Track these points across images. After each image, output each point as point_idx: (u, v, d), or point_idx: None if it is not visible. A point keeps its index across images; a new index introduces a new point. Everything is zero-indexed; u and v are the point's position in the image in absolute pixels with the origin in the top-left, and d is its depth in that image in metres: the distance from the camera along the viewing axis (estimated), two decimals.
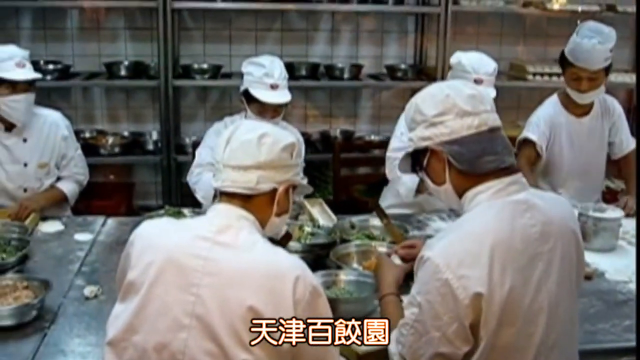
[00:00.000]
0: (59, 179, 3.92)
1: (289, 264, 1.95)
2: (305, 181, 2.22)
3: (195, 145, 5.05)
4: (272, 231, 2.18)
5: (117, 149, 5.39)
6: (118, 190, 5.56)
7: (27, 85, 3.59)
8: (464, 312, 1.90)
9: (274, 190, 2.07)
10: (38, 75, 3.68)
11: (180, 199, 5.24)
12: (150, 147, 5.56)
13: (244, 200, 2.04)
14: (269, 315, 1.84)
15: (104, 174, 5.60)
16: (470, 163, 2.07)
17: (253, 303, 1.84)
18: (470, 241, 1.96)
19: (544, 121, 3.99)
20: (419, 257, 2.04)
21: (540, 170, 4.11)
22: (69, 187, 3.91)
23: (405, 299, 2.17)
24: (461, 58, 3.80)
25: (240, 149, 2.05)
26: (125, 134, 5.73)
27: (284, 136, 2.10)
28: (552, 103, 4.08)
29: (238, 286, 1.87)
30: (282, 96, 3.73)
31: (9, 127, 3.70)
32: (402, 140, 3.89)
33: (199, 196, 3.85)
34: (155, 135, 5.67)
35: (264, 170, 2.03)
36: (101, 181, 5.43)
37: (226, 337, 1.84)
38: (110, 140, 5.50)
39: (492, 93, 3.58)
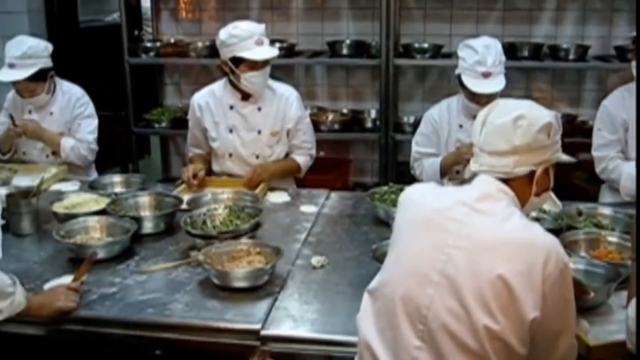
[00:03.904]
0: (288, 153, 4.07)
1: (544, 239, 1.95)
2: (565, 156, 2.17)
3: (414, 124, 5.10)
4: (532, 210, 2.22)
5: (336, 126, 5.53)
6: (335, 165, 5.70)
7: (265, 61, 3.76)
8: None
9: (532, 172, 2.06)
10: (276, 53, 3.84)
11: (396, 177, 5.29)
12: (369, 124, 5.62)
13: (503, 181, 2.07)
14: (517, 285, 1.85)
15: (324, 150, 5.75)
16: None
17: (503, 272, 1.86)
18: None
19: None
20: None
21: None
22: (302, 159, 4.06)
23: None
24: None
25: (495, 133, 2.06)
26: (345, 111, 5.86)
27: (540, 116, 2.06)
28: None
29: (490, 253, 1.90)
30: (493, 85, 3.64)
31: (246, 96, 3.90)
32: (602, 136, 3.79)
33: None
34: (373, 113, 5.75)
35: (520, 154, 2.04)
36: (320, 156, 5.59)
37: (472, 299, 1.87)
38: (330, 117, 5.64)
39: None
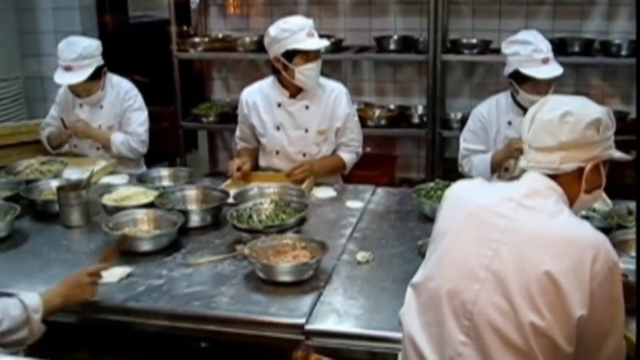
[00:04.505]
0: (335, 150, 4.06)
1: (593, 236, 1.92)
2: (618, 153, 2.13)
3: (462, 121, 5.06)
4: (583, 207, 2.17)
5: (383, 122, 5.51)
6: (382, 161, 5.68)
7: (316, 53, 3.76)
8: None
9: (581, 169, 2.03)
10: (327, 43, 3.84)
11: (443, 173, 5.25)
12: (416, 120, 5.61)
13: (550, 177, 2.05)
14: (565, 282, 1.83)
15: (370, 146, 5.73)
16: None
17: (550, 268, 1.84)
18: None
19: None
20: None
21: None
22: (348, 157, 4.05)
23: None
24: None
25: (542, 129, 2.04)
26: (392, 107, 5.82)
27: (588, 112, 2.03)
28: None
29: (537, 249, 1.88)
30: (553, 70, 3.70)
31: (294, 93, 3.91)
32: None
33: None
34: (420, 109, 5.73)
35: (567, 150, 2.01)
36: (367, 152, 5.57)
37: (518, 296, 1.86)
38: (377, 112, 5.61)
39: None
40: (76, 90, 4.30)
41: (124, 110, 4.41)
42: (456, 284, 1.95)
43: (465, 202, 2.10)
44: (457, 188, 2.20)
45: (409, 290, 2.13)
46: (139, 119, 4.44)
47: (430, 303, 2.02)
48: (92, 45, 4.23)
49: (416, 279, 2.12)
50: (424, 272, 2.09)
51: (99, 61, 4.26)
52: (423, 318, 2.03)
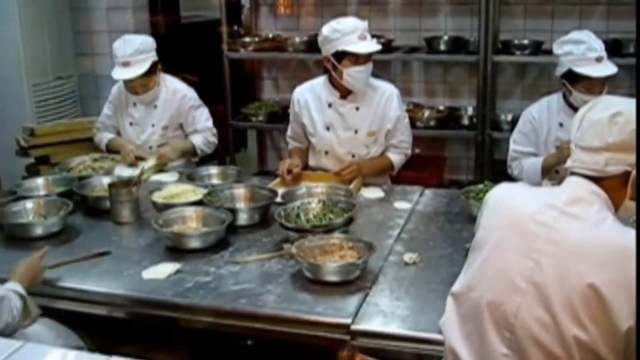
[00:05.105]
0: (383, 150, 4.04)
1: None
2: None
3: (512, 122, 5.00)
4: (627, 215, 2.06)
5: (432, 123, 5.47)
6: (430, 162, 5.65)
7: (367, 56, 3.74)
8: None
9: (627, 173, 1.95)
10: (378, 47, 3.80)
11: (492, 175, 5.19)
12: (465, 122, 5.55)
13: (595, 180, 1.97)
14: (609, 295, 1.77)
15: (419, 147, 5.70)
16: None
17: (594, 280, 1.78)
18: None
19: None
20: None
21: None
22: (396, 158, 4.03)
23: None
24: None
25: (590, 129, 1.98)
26: (441, 108, 5.77)
27: None
28: None
29: (581, 260, 1.83)
30: (608, 68, 3.62)
31: (345, 94, 3.90)
32: None
33: None
34: (470, 111, 5.67)
35: (614, 152, 1.93)
36: (415, 153, 5.54)
37: (560, 308, 1.81)
38: (427, 113, 5.57)
39: None
40: (133, 87, 4.35)
41: (186, 111, 4.49)
42: (497, 295, 1.91)
43: (506, 208, 2.04)
44: (498, 193, 2.15)
45: (450, 299, 2.10)
46: (204, 115, 4.55)
47: (471, 313, 1.98)
48: (147, 41, 4.30)
49: (456, 287, 2.08)
50: (465, 281, 2.05)
51: (154, 56, 4.32)
52: (464, 328, 2.00)
